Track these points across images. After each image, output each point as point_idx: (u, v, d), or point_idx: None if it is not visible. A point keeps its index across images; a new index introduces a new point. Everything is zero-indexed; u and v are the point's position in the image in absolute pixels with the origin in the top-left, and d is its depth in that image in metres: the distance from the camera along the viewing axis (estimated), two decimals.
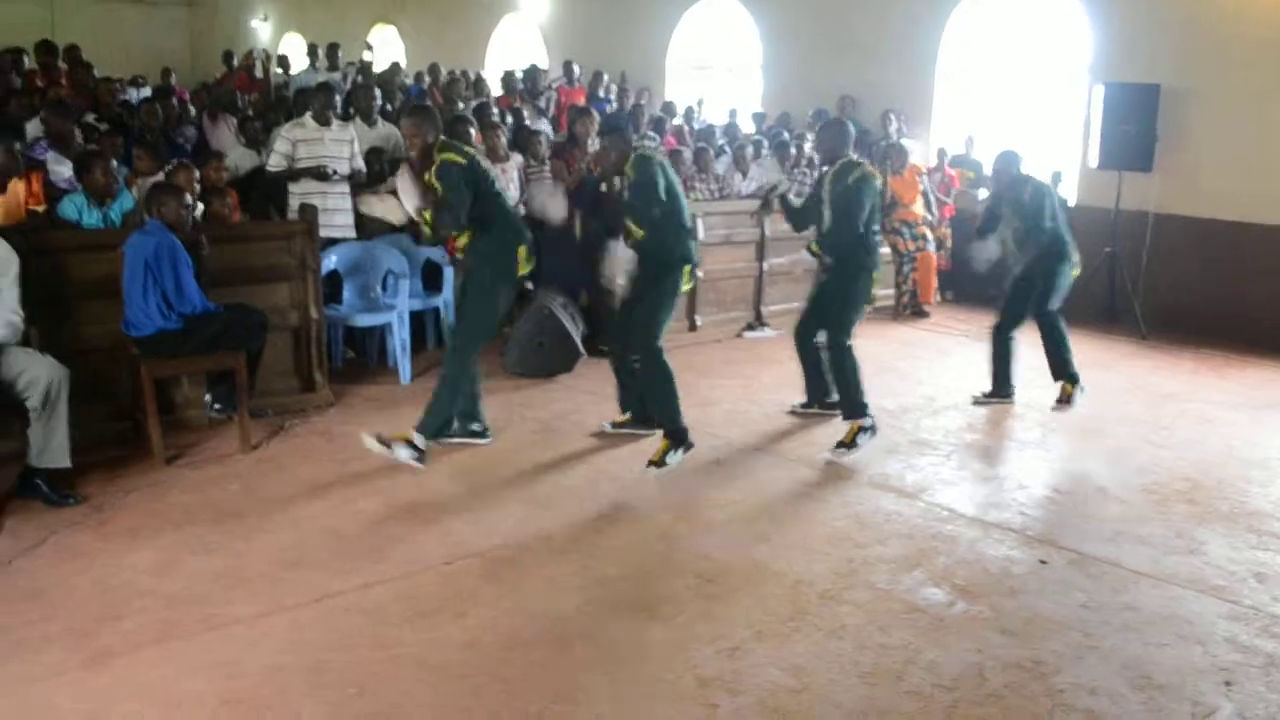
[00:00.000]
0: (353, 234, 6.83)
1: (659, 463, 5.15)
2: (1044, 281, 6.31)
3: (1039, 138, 9.93)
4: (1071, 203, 9.41)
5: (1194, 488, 5.20)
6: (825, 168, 5.76)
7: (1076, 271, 6.46)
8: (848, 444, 5.43)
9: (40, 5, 19.07)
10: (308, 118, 6.89)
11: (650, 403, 5.38)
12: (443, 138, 5.10)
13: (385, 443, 5.02)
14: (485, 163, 5.23)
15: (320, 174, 6.64)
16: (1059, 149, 9.79)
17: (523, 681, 3.33)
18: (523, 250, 5.18)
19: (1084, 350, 8.10)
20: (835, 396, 5.72)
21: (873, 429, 5.49)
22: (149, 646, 3.44)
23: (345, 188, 6.78)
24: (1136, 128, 8.55)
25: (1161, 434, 6.05)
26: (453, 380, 5.12)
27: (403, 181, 5.05)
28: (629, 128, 5.41)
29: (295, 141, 6.72)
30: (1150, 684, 3.42)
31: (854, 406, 5.51)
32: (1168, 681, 3.44)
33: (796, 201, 6.05)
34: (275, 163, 6.77)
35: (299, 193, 6.63)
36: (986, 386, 6.52)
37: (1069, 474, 5.45)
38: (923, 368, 7.35)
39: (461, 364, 5.15)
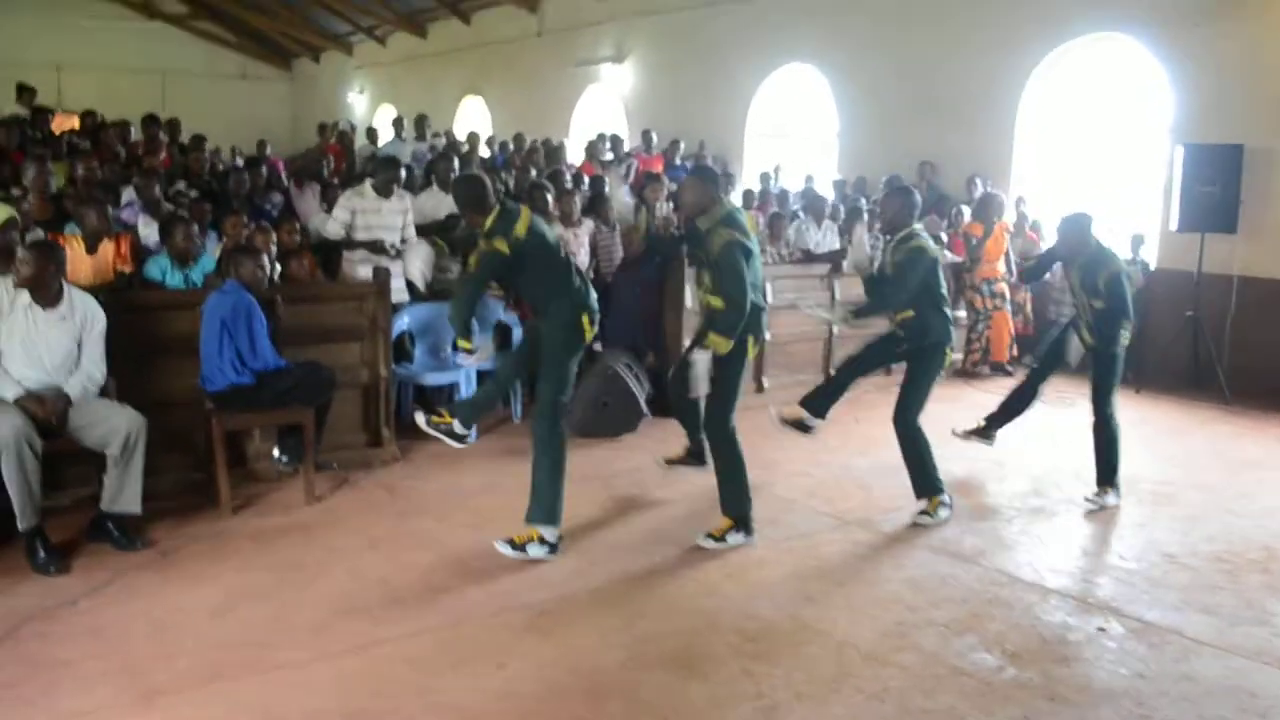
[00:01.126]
0: (406, 298, 6.95)
1: (718, 539, 5.02)
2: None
3: (1119, 200, 9.78)
4: (1152, 266, 9.24)
5: (1270, 557, 5.00)
6: (888, 238, 5.66)
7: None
8: (930, 513, 5.40)
9: (153, 79, 20.17)
10: (367, 187, 6.96)
11: (720, 484, 5.14)
12: (498, 211, 4.80)
13: (518, 546, 4.80)
14: (547, 231, 5.01)
15: (378, 248, 6.71)
16: (1139, 212, 9.62)
17: None
18: (585, 319, 4.98)
19: (1164, 415, 7.96)
20: None
21: (949, 504, 5.45)
22: (197, 687, 3.55)
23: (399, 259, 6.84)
24: (1219, 189, 8.38)
25: (1239, 501, 5.84)
26: (547, 447, 4.84)
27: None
28: (718, 179, 5.27)
29: (354, 211, 6.81)
30: None
31: (928, 484, 5.43)
32: None
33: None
34: (334, 230, 6.86)
35: (356, 260, 6.82)
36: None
37: (1136, 540, 5.28)
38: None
39: (550, 426, 4.85)
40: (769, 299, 8.02)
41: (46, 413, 4.53)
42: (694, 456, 5.67)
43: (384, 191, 6.91)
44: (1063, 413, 7.71)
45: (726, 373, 5.03)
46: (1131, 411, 7.98)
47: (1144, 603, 4.45)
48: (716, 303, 4.93)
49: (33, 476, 4.43)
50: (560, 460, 4.85)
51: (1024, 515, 5.60)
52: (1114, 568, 4.86)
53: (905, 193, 5.70)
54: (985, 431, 6.31)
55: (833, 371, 5.77)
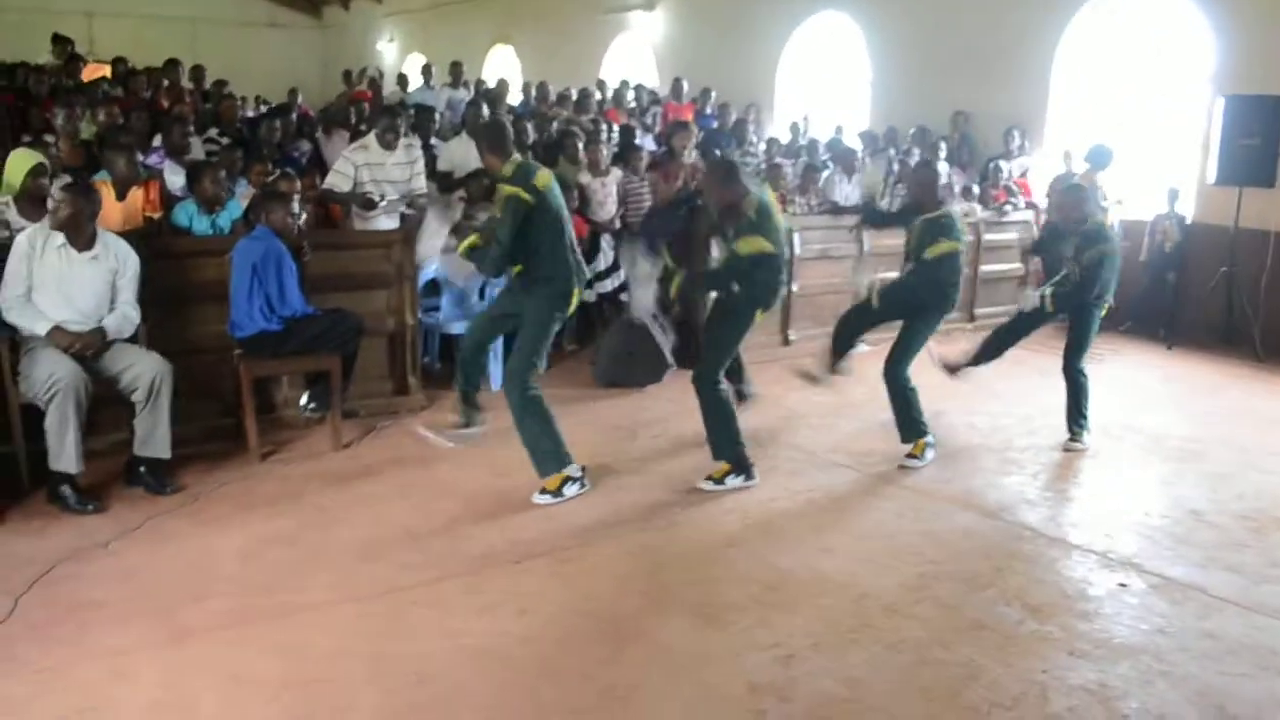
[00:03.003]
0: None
1: (718, 480, 5.10)
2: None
3: (1156, 152, 9.60)
4: (1188, 220, 9.08)
5: None
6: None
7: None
8: (917, 455, 5.53)
9: (183, 27, 20.14)
10: (372, 140, 6.74)
11: (710, 431, 5.19)
12: (518, 161, 4.86)
13: (555, 493, 4.87)
14: (560, 196, 4.99)
15: (366, 202, 6.55)
16: (1176, 164, 9.44)
17: (577, 678, 3.40)
18: (576, 292, 4.99)
19: (1196, 372, 7.87)
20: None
21: (932, 445, 5.59)
22: (225, 628, 3.63)
23: (397, 211, 6.74)
24: (1260, 141, 8.19)
25: (1270, 459, 5.78)
26: (525, 407, 4.90)
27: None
28: (737, 169, 5.24)
29: (358, 165, 6.63)
30: (1223, 714, 3.29)
31: (914, 428, 5.55)
32: (1241, 712, 3.31)
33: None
34: (333, 181, 6.68)
35: (354, 214, 6.73)
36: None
37: (1163, 497, 5.25)
38: (1021, 387, 7.15)
39: (521, 391, 4.90)
40: (797, 249, 8.04)
41: (82, 345, 4.60)
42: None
43: (386, 144, 6.71)
44: (1093, 369, 7.63)
45: (730, 329, 5.15)
46: (1162, 368, 7.95)
47: (1167, 559, 4.43)
48: (745, 247, 4.97)
49: (79, 421, 4.53)
50: (543, 414, 4.91)
51: (1049, 470, 5.58)
52: (1139, 524, 4.84)
53: (928, 168, 5.73)
54: (958, 369, 6.39)
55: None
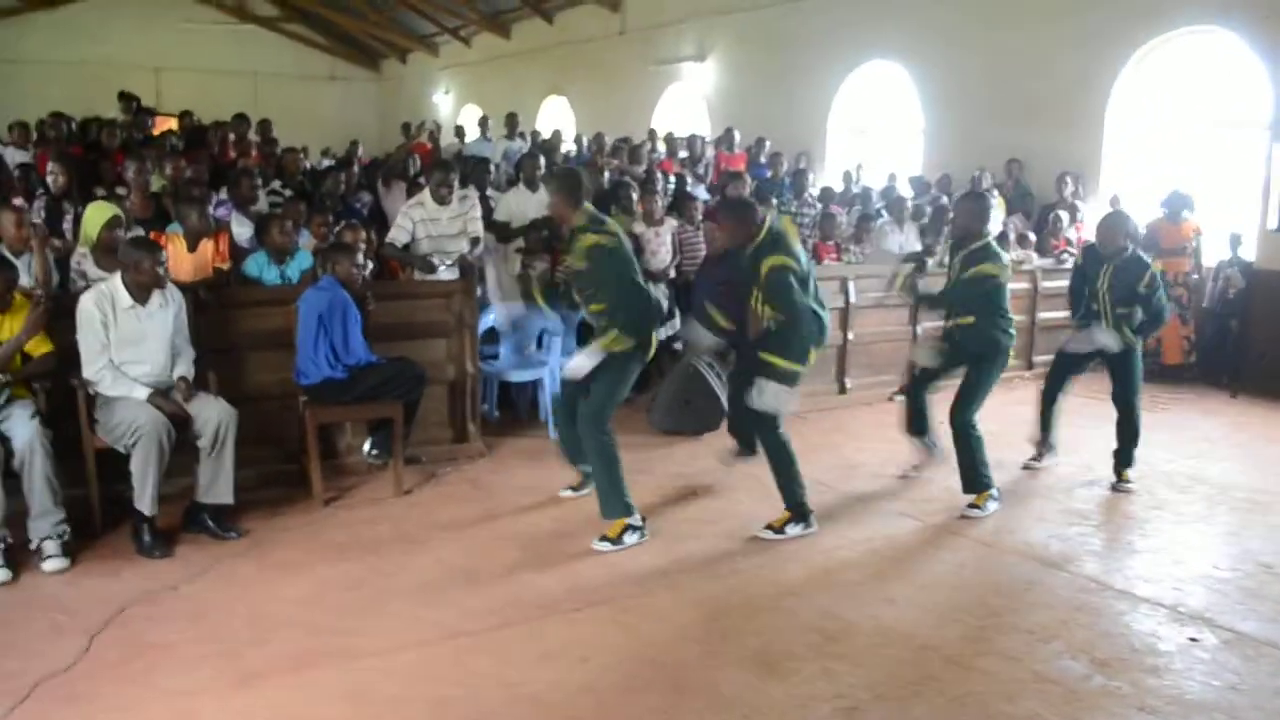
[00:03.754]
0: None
1: (777, 530, 5.09)
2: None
3: (1216, 198, 9.49)
4: (1252, 265, 8.95)
5: None
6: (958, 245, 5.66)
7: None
8: (979, 506, 5.49)
9: (246, 80, 20.74)
10: (426, 196, 6.73)
11: (776, 476, 5.18)
12: (589, 210, 5.00)
13: (615, 540, 4.93)
14: (627, 244, 5.12)
15: (427, 265, 6.57)
16: (1237, 211, 9.33)
17: None
18: (654, 337, 5.11)
19: (1261, 421, 7.72)
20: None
21: (998, 499, 5.57)
22: (289, 672, 3.67)
23: (456, 269, 6.74)
24: None
25: None
26: (599, 450, 4.96)
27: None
28: (752, 206, 5.30)
29: (415, 221, 6.66)
30: None
31: (978, 480, 5.51)
32: None
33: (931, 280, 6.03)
34: (396, 237, 6.65)
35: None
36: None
37: (1231, 549, 5.14)
38: (1081, 435, 7.05)
39: (598, 433, 4.95)
40: (853, 298, 8.05)
41: (176, 408, 4.73)
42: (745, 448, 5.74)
43: (441, 199, 6.70)
44: (1154, 417, 7.53)
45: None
46: (1227, 417, 7.80)
47: (1238, 614, 4.34)
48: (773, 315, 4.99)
49: (161, 466, 4.65)
50: (613, 456, 4.97)
51: (1113, 521, 5.49)
52: (1207, 577, 4.74)
53: (978, 198, 5.77)
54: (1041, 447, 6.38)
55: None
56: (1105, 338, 5.84)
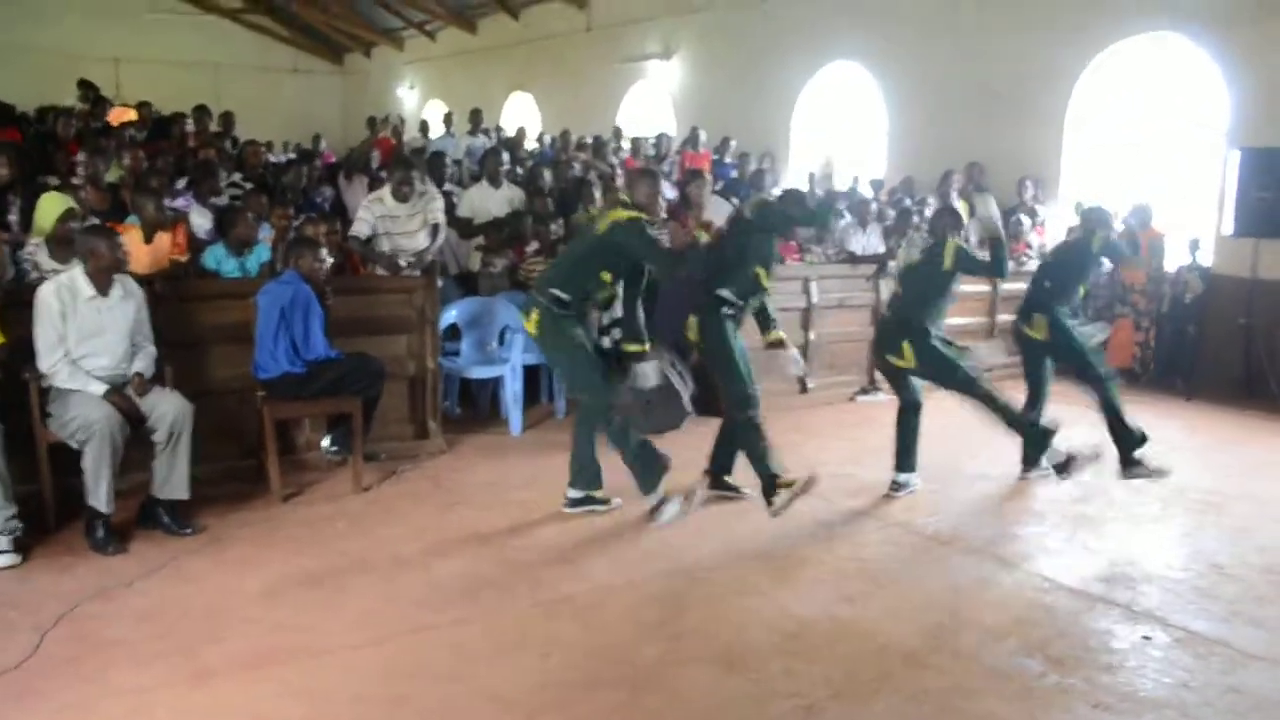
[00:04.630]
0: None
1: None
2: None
3: (1173, 204, 9.63)
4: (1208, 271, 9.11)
5: None
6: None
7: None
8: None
9: (206, 73, 20.48)
10: (386, 193, 6.74)
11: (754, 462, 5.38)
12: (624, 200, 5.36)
13: (658, 508, 5.21)
14: None
15: (392, 265, 6.56)
16: (1194, 216, 9.48)
17: None
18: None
19: (1215, 425, 7.85)
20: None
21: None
22: (246, 669, 3.63)
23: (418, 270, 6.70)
24: (1274, 195, 8.22)
25: None
26: (614, 432, 5.17)
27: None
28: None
29: (375, 216, 6.65)
30: None
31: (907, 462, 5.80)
32: None
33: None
34: (358, 230, 6.66)
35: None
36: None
37: (1184, 550, 5.22)
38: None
39: (602, 413, 5.19)
40: (815, 298, 8.09)
41: (131, 405, 4.67)
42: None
43: (401, 196, 6.70)
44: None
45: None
46: (1181, 420, 7.93)
47: (1191, 613, 4.40)
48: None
49: (115, 463, 4.59)
50: (626, 434, 5.20)
51: (1069, 521, 5.55)
52: (1160, 577, 4.81)
53: (952, 213, 5.99)
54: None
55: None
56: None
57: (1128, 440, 6.06)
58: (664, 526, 5.15)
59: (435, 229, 6.80)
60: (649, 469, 5.16)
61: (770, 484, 5.27)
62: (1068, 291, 6.27)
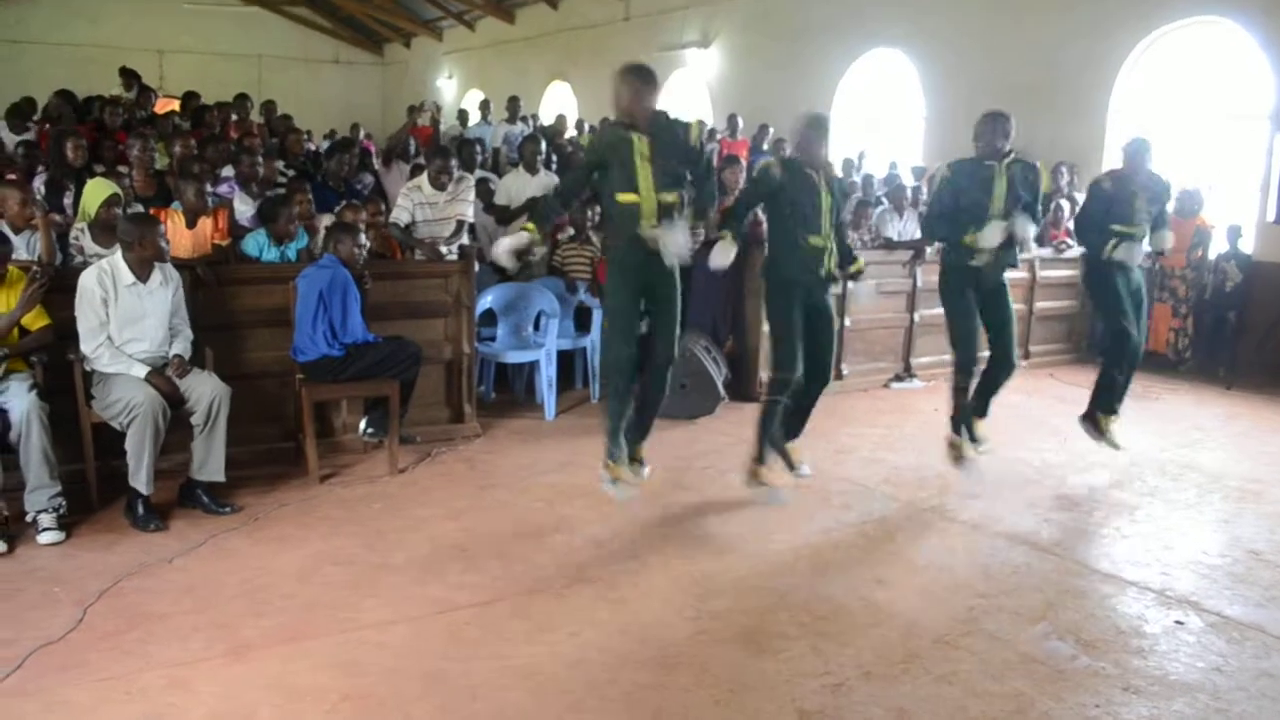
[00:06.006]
0: None
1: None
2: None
3: (1216, 189, 9.48)
4: (1251, 258, 8.96)
5: None
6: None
7: None
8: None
9: (250, 63, 20.74)
10: (424, 181, 6.76)
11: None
12: None
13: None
14: None
15: (435, 252, 6.55)
16: (1237, 203, 9.33)
17: (624, 700, 3.42)
18: None
19: (1255, 412, 7.74)
20: None
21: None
22: (283, 643, 3.71)
23: (455, 254, 6.72)
24: None
25: None
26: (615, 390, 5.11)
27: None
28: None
29: (415, 204, 6.68)
30: None
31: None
32: None
33: None
34: (398, 217, 6.67)
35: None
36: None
37: (1221, 536, 5.17)
38: (1073, 424, 7.08)
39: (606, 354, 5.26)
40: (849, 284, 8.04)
41: (171, 387, 4.77)
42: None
43: (439, 185, 6.70)
44: (1148, 407, 7.57)
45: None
46: (1221, 408, 7.83)
47: (1225, 598, 4.37)
48: None
49: (156, 444, 4.69)
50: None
51: (1104, 507, 5.51)
52: (1195, 563, 4.77)
53: (994, 118, 6.04)
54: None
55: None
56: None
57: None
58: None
59: (460, 226, 6.82)
60: (615, 442, 5.00)
61: (755, 460, 5.28)
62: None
